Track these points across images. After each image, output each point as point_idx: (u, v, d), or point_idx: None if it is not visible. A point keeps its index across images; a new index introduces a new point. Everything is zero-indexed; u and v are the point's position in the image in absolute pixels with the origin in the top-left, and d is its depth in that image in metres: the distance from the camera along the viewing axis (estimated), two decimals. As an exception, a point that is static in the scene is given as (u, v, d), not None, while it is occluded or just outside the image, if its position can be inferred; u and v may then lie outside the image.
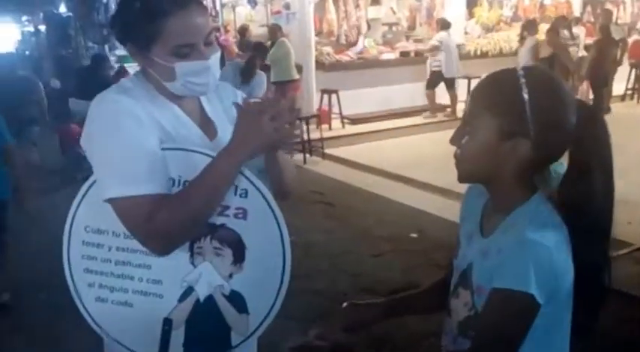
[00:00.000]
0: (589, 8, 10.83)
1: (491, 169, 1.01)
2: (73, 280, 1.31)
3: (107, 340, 1.35)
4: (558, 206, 1.02)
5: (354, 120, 8.34)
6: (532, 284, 0.92)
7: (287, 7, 8.60)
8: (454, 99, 8.40)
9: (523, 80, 0.97)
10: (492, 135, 0.98)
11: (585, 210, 0.99)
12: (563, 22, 9.02)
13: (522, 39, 8.37)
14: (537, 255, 0.93)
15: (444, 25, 8.53)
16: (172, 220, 1.16)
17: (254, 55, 5.86)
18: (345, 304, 1.22)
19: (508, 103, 0.97)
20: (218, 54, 1.27)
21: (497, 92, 1.00)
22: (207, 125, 1.34)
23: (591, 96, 8.49)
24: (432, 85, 8.55)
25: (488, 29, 10.23)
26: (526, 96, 0.96)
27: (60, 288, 1.37)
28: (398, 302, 1.27)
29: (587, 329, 1.06)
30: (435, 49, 8.41)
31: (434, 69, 8.46)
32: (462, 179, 1.06)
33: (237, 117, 1.20)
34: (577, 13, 10.78)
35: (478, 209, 1.12)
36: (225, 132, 1.36)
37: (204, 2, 11.13)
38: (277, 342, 1.11)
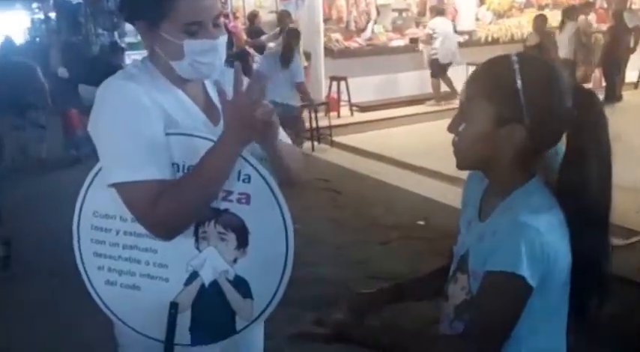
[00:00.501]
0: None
1: (488, 155, 1.03)
2: (83, 263, 1.35)
3: (117, 323, 1.38)
4: (556, 190, 1.02)
5: (363, 108, 8.30)
6: (523, 265, 0.93)
7: (296, -7, 8.55)
8: (450, 85, 8.30)
9: (517, 66, 0.98)
10: (488, 121, 1.00)
11: (582, 194, 1.00)
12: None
13: (562, 24, 8.19)
14: (528, 236, 0.94)
15: (438, 11, 8.47)
16: (173, 205, 1.17)
17: (290, 41, 6.04)
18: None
19: (502, 90, 0.98)
20: (225, 37, 1.28)
21: (492, 79, 1.00)
22: (211, 110, 1.35)
23: (604, 83, 8.39)
24: (434, 73, 8.46)
25: (499, 15, 10.10)
26: (520, 83, 0.97)
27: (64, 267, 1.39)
28: (400, 288, 1.28)
29: (589, 317, 1.06)
30: (429, 38, 8.31)
31: (433, 57, 8.34)
32: (460, 166, 1.08)
33: (222, 107, 1.21)
34: (590, -1, 10.62)
35: (478, 195, 1.13)
36: None
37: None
38: (283, 329, 1.12)
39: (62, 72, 8.06)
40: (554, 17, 9.96)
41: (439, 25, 8.29)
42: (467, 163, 1.07)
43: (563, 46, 7.90)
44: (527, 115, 0.97)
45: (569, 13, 8.32)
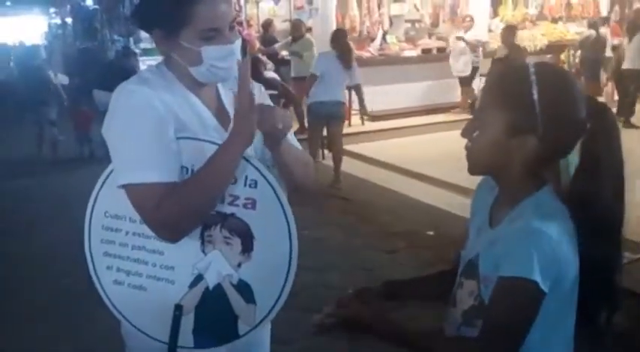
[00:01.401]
0: (617, 7, 10.60)
1: (499, 163, 1.03)
2: (93, 263, 1.36)
3: (124, 324, 1.39)
4: (568, 200, 1.02)
5: (374, 117, 8.30)
6: (535, 271, 0.93)
7: (310, 2, 8.61)
8: (471, 96, 8.35)
9: (534, 77, 0.98)
10: (501, 130, 1.00)
11: (594, 204, 1.00)
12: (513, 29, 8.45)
13: (630, 37, 7.80)
14: (540, 243, 0.94)
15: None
16: (176, 207, 1.19)
17: (348, 45, 5.92)
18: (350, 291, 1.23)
19: (518, 100, 0.98)
20: (239, 41, 1.30)
21: (508, 88, 1.01)
22: (223, 115, 1.37)
23: (616, 97, 8.34)
24: (470, 81, 8.50)
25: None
26: (536, 93, 0.97)
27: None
28: (400, 285, 1.29)
29: (597, 330, 1.06)
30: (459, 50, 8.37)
31: (475, 65, 8.39)
32: (471, 171, 1.08)
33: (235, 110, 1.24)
34: (604, 12, 10.58)
35: (488, 202, 1.14)
36: None
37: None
38: (289, 333, 1.12)
39: (62, 78, 8.15)
40: (567, 30, 9.98)
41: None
42: (478, 169, 1.08)
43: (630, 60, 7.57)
44: (541, 126, 0.97)
45: (634, 27, 7.99)
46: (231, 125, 1.24)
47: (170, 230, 1.24)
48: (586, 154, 1.00)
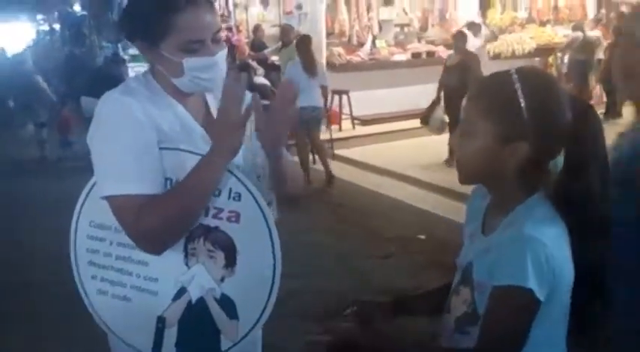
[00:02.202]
0: (603, 10, 10.71)
1: (490, 171, 1.03)
2: (78, 272, 1.35)
3: (110, 334, 1.37)
4: (556, 200, 1.02)
5: (365, 121, 8.32)
6: (530, 279, 0.93)
7: (299, 7, 8.62)
8: None
9: (518, 85, 0.98)
10: (491, 140, 1.00)
11: (583, 205, 1.00)
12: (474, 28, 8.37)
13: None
14: (534, 250, 0.94)
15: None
16: (157, 221, 1.17)
17: (311, 54, 6.16)
18: (351, 304, 1.21)
19: (505, 110, 0.98)
20: (225, 51, 1.29)
21: (494, 98, 1.01)
22: (211, 124, 1.35)
23: (605, 99, 8.41)
24: None
25: (501, 31, 10.15)
26: (523, 101, 0.97)
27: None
28: (406, 301, 1.27)
29: (590, 334, 1.06)
30: None
31: None
32: (462, 180, 1.08)
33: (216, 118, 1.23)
34: (591, 14, 10.68)
35: (481, 210, 1.13)
36: None
37: (218, 2, 11.13)
38: (282, 340, 1.11)
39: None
40: (555, 33, 10.05)
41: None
42: (470, 179, 1.08)
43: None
44: (531, 132, 0.97)
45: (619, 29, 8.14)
46: (215, 137, 1.21)
47: (151, 242, 1.22)
48: (572, 154, 1.01)
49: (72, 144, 7.17)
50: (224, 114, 1.20)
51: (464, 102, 1.05)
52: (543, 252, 0.94)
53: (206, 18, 1.22)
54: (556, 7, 10.69)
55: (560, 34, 9.92)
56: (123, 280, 1.30)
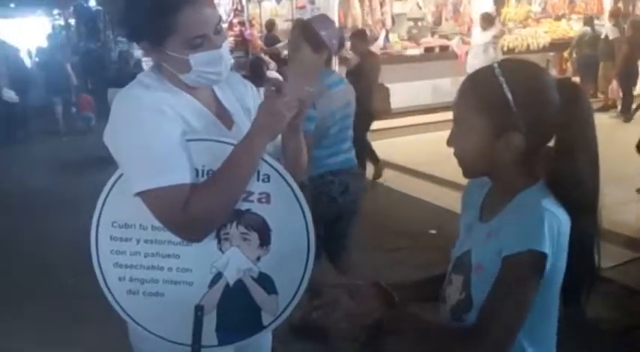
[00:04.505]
0: (620, 4, 10.55)
1: (490, 163, 1.05)
2: (103, 275, 1.33)
3: (134, 330, 1.37)
4: (546, 181, 1.05)
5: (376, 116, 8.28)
6: (545, 244, 0.94)
7: (312, 1, 8.61)
8: None
9: (502, 78, 1.00)
10: (484, 134, 1.02)
11: (571, 187, 1.02)
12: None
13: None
14: (550, 220, 0.96)
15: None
16: (206, 207, 1.20)
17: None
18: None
19: (494, 104, 1.01)
20: (227, 41, 1.30)
21: (481, 95, 1.03)
22: (223, 114, 1.38)
23: (621, 95, 8.29)
24: None
25: (515, 25, 10.04)
26: (509, 93, 0.99)
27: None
28: (424, 285, 1.29)
29: (579, 310, 1.08)
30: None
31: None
32: (467, 175, 1.12)
33: (261, 103, 1.25)
34: (608, 9, 10.52)
35: (479, 199, 1.16)
36: (242, 120, 1.39)
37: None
38: (289, 333, 1.10)
39: (9, 95, 8.82)
40: (571, 27, 9.92)
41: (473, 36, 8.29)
42: (472, 173, 1.12)
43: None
44: (522, 121, 1.00)
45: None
46: (256, 118, 1.24)
47: (198, 230, 1.24)
48: (561, 136, 1.02)
49: (90, 119, 8.99)
50: (273, 100, 1.21)
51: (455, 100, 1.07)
52: (557, 224, 0.97)
53: (206, 12, 1.23)
54: (571, 1, 10.54)
55: (575, 29, 9.80)
56: (155, 276, 1.31)
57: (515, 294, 0.97)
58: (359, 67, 5.42)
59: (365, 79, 5.08)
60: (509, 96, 0.99)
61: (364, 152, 5.37)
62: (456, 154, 1.09)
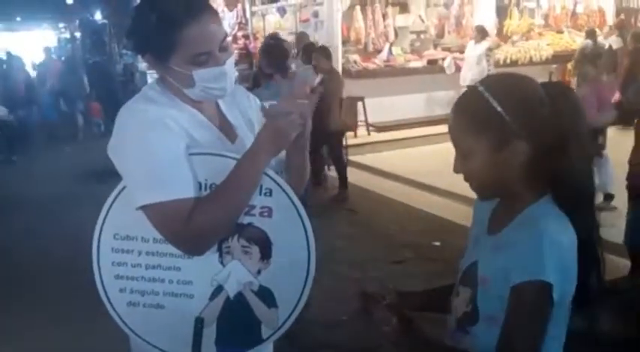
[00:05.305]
0: (623, 16, 10.58)
1: (502, 180, 1.06)
2: (103, 286, 1.34)
3: (135, 341, 1.37)
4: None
5: (380, 128, 8.33)
6: (550, 274, 0.95)
7: (315, 15, 8.67)
8: None
9: (487, 93, 1.02)
10: (487, 152, 1.04)
11: (567, 179, 1.03)
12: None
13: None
14: (552, 248, 0.97)
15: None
16: (208, 221, 1.20)
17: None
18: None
19: (486, 120, 1.02)
20: (233, 58, 1.31)
21: (472, 115, 1.05)
22: (227, 128, 1.38)
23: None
24: None
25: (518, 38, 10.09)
26: (498, 106, 1.01)
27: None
28: (435, 293, 1.29)
29: (592, 295, 1.07)
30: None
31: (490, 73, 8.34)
32: (481, 197, 1.14)
33: (265, 118, 1.25)
34: (610, 21, 10.57)
35: (486, 212, 1.16)
36: (245, 134, 1.40)
37: (236, 10, 11.20)
38: (294, 345, 1.11)
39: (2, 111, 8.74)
40: (573, 40, 9.96)
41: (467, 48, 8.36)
42: (487, 193, 1.12)
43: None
44: (518, 127, 1.01)
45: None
46: (262, 134, 1.24)
47: (200, 244, 1.24)
48: (554, 134, 1.03)
49: (100, 125, 9.92)
50: (278, 119, 1.22)
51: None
52: (560, 251, 0.97)
53: (211, 29, 1.23)
54: (574, 14, 10.60)
55: (578, 41, 9.85)
56: (155, 288, 1.31)
57: (527, 325, 0.97)
58: (322, 84, 5.53)
59: (326, 94, 5.18)
60: (499, 108, 1.01)
61: (320, 165, 6.12)
62: (466, 179, 1.10)
